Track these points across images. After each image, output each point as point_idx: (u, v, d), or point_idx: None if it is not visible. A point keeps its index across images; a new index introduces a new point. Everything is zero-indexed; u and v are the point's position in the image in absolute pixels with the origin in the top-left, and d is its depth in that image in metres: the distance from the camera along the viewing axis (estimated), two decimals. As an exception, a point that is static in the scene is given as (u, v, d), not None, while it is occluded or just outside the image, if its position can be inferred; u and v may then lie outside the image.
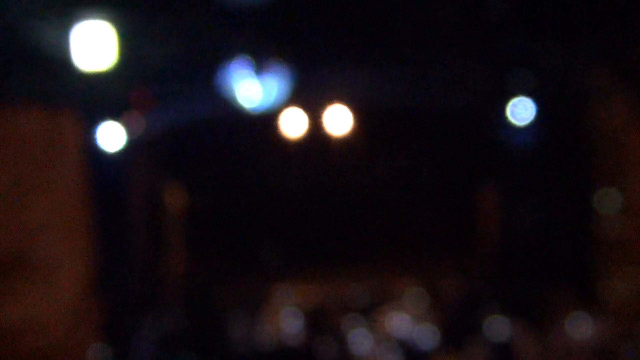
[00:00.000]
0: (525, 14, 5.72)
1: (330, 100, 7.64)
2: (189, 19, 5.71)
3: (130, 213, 7.53)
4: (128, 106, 6.81)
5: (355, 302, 8.04)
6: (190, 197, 9.05)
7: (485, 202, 8.80)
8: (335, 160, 8.87)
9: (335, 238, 9.14)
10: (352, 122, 7.80)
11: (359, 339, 6.51)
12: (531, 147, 7.70)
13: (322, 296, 8.22)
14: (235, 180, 9.03)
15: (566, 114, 7.35)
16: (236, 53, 6.38)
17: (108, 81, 5.51)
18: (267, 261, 8.96)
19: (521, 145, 7.76)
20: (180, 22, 5.69)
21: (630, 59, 6.28)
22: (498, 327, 6.06)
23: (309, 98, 7.58)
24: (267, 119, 7.59)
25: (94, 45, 4.97)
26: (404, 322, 6.73)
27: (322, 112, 7.72)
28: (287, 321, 7.15)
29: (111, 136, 6.60)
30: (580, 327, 5.79)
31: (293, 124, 7.74)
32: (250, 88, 6.58)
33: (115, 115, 6.64)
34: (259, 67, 6.47)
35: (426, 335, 6.44)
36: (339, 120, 7.73)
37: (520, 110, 7.25)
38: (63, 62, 4.95)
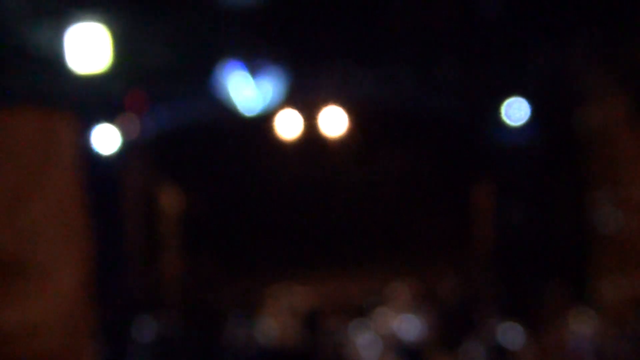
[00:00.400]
0: (519, 15, 5.73)
1: (325, 101, 7.64)
2: (184, 21, 5.71)
3: (126, 216, 7.52)
4: (123, 109, 6.80)
5: (351, 304, 8.03)
6: (186, 199, 9.03)
7: (481, 202, 8.81)
8: (331, 162, 8.86)
9: (332, 240, 9.14)
10: (347, 123, 7.80)
11: (356, 340, 6.50)
12: (526, 146, 7.71)
13: (318, 298, 8.21)
14: (231, 182, 9.02)
15: (560, 113, 7.36)
16: (231, 55, 6.38)
17: (103, 83, 5.51)
18: (262, 263, 8.95)
19: (516, 145, 7.77)
20: (174, 24, 5.69)
21: (623, 59, 6.30)
22: (494, 327, 6.06)
23: (304, 100, 7.58)
24: (263, 121, 7.58)
25: (88, 48, 4.97)
26: (400, 323, 6.73)
27: (317, 114, 7.73)
28: (283, 323, 7.14)
29: (106, 139, 6.59)
30: (576, 327, 5.80)
31: (288, 125, 7.74)
32: (246, 90, 6.58)
33: (110, 118, 6.63)
34: (254, 69, 6.47)
35: (423, 335, 6.44)
36: (334, 121, 7.73)
37: (515, 111, 7.26)
38: (58, 64, 4.94)
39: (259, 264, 9.00)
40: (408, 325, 6.69)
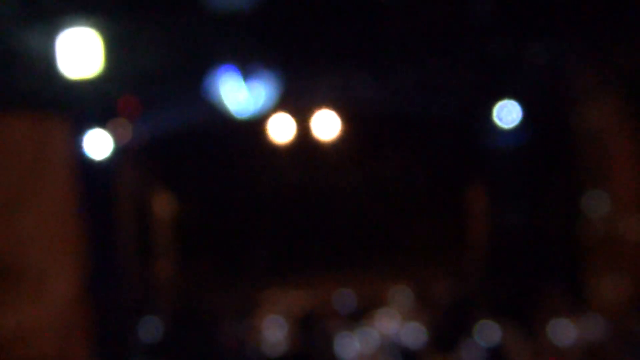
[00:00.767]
0: (511, 16, 5.75)
1: (318, 105, 7.64)
2: (176, 26, 5.70)
3: (118, 221, 7.49)
4: (115, 113, 6.78)
5: (345, 307, 8.03)
6: (179, 203, 9.01)
7: (474, 205, 8.82)
8: (324, 165, 8.87)
9: (325, 243, 9.13)
10: (339, 127, 7.81)
11: (350, 344, 6.50)
12: (518, 149, 7.74)
13: (312, 302, 8.20)
14: (224, 187, 9.00)
15: (553, 115, 7.39)
16: (223, 59, 6.37)
17: (95, 88, 5.49)
18: (257, 268, 8.93)
19: (508, 147, 7.79)
20: (167, 29, 5.68)
21: (616, 61, 6.33)
22: (488, 329, 6.07)
23: (297, 103, 7.58)
24: (256, 125, 7.58)
25: (80, 53, 4.95)
26: (394, 326, 6.73)
27: (310, 117, 7.73)
28: (277, 328, 7.13)
29: (99, 144, 6.56)
30: (570, 329, 5.81)
31: (281, 129, 7.74)
32: (238, 94, 6.57)
33: (102, 123, 6.61)
34: (247, 73, 6.46)
35: (416, 338, 6.44)
36: (327, 125, 7.74)
37: (507, 113, 7.28)
38: (49, 69, 4.92)
39: (253, 268, 8.98)
40: (404, 328, 6.69)
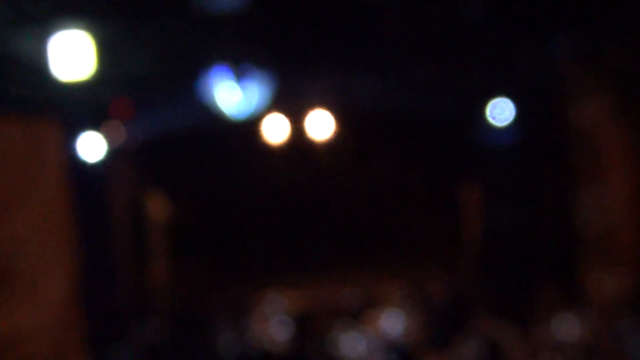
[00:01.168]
0: (503, 15, 5.76)
1: (312, 105, 7.65)
2: (168, 27, 5.69)
3: (113, 223, 7.48)
4: (108, 116, 6.78)
5: (343, 306, 8.03)
6: (174, 205, 9.00)
7: (469, 202, 8.84)
8: (318, 165, 8.87)
9: (322, 243, 9.14)
10: (334, 127, 7.81)
11: (349, 343, 6.50)
12: (512, 146, 7.76)
13: (310, 301, 8.20)
14: (218, 188, 9.00)
15: (545, 113, 7.41)
16: (216, 60, 6.37)
17: (88, 91, 5.48)
18: (252, 268, 8.92)
19: (502, 145, 7.81)
20: (159, 30, 5.68)
21: (607, 58, 6.35)
22: (484, 326, 6.08)
23: (291, 104, 7.59)
24: (249, 126, 7.58)
25: (72, 55, 4.94)
26: (392, 324, 6.73)
27: (304, 117, 7.73)
28: (275, 328, 7.13)
29: (92, 146, 6.56)
30: (566, 325, 5.83)
31: (275, 129, 7.74)
32: (232, 95, 6.57)
33: (95, 125, 6.60)
34: (240, 74, 6.47)
35: (414, 335, 6.45)
36: (321, 125, 7.74)
37: (500, 111, 7.30)
38: (42, 72, 4.91)
39: (248, 269, 8.98)
40: (399, 326, 6.70)
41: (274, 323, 7.21)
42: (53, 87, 5.03)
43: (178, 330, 7.32)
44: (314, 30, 6.04)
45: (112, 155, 6.90)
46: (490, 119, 7.38)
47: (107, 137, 6.71)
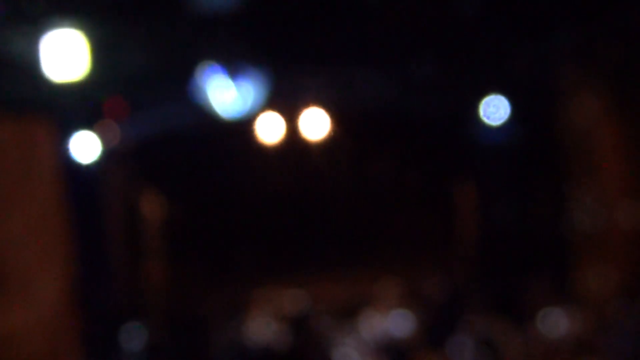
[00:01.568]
0: (496, 12, 5.77)
1: (307, 103, 7.64)
2: (162, 26, 5.68)
3: (107, 223, 7.46)
4: (102, 116, 6.76)
5: (339, 305, 8.03)
6: (168, 205, 8.99)
7: (464, 200, 8.85)
8: (313, 164, 8.87)
9: (317, 242, 9.13)
10: (329, 126, 7.81)
11: (343, 342, 6.50)
12: (506, 144, 7.77)
13: (304, 301, 8.20)
14: (214, 187, 8.98)
15: (540, 111, 7.42)
16: (210, 59, 6.36)
17: (81, 91, 5.47)
18: (247, 268, 8.92)
19: (496, 143, 7.83)
20: (153, 30, 5.66)
21: (601, 55, 6.36)
22: (479, 324, 6.10)
23: (285, 102, 7.58)
24: (243, 125, 7.57)
25: (65, 55, 4.93)
26: (388, 322, 6.74)
27: (298, 116, 7.72)
28: (270, 327, 7.12)
29: (86, 146, 6.53)
30: (559, 322, 5.85)
31: (270, 129, 7.73)
32: (226, 94, 6.56)
33: (89, 125, 6.58)
34: (234, 73, 6.45)
35: (410, 333, 6.46)
36: (315, 124, 7.74)
37: (494, 110, 7.31)
38: (35, 72, 4.89)
39: (244, 269, 8.97)
40: (395, 324, 6.71)
41: (269, 323, 7.21)
42: (46, 87, 5.01)
43: (174, 330, 7.31)
44: (308, 28, 6.04)
45: (106, 155, 6.88)
46: (484, 118, 7.39)
47: (101, 137, 6.69)
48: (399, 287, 7.92)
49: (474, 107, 7.41)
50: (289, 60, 6.67)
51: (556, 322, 5.84)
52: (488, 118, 7.37)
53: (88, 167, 6.57)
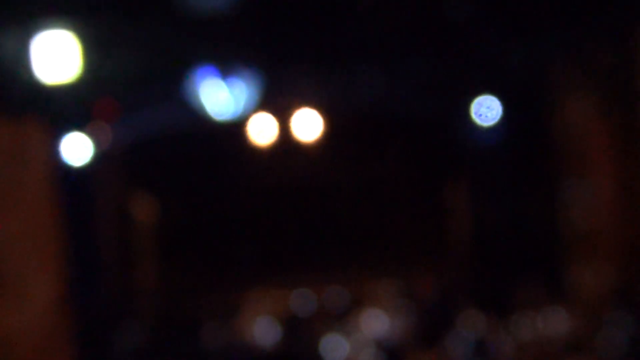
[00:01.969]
0: (488, 13, 5.79)
1: (299, 104, 7.64)
2: (154, 27, 5.67)
3: (99, 225, 7.44)
4: (94, 117, 6.74)
5: (331, 306, 8.03)
6: (160, 207, 8.97)
7: (456, 201, 8.88)
8: (306, 165, 8.87)
9: (309, 243, 9.14)
10: (321, 126, 7.81)
11: (336, 342, 6.50)
12: (498, 144, 7.80)
13: (297, 302, 8.20)
14: (205, 189, 8.97)
15: (532, 111, 7.45)
16: (202, 60, 6.35)
17: (73, 92, 5.45)
18: (241, 269, 8.91)
19: (488, 143, 7.85)
20: (145, 31, 5.65)
21: (593, 56, 6.39)
22: (472, 323, 6.11)
23: (277, 103, 7.58)
24: (236, 126, 7.56)
25: (56, 56, 4.91)
26: (380, 323, 6.75)
27: (291, 117, 7.72)
28: (262, 328, 7.12)
29: (78, 148, 6.51)
30: (553, 321, 5.87)
31: (262, 130, 7.73)
32: (218, 95, 6.55)
33: (81, 127, 6.56)
34: (226, 74, 6.45)
35: (403, 333, 6.46)
36: (308, 124, 7.74)
37: (486, 110, 7.33)
38: (27, 73, 4.87)
39: (236, 270, 8.96)
40: (388, 324, 6.71)
41: (261, 324, 7.20)
42: (38, 88, 4.99)
43: (165, 331, 7.29)
44: (300, 29, 6.04)
45: (98, 156, 6.86)
46: (476, 118, 7.41)
47: (93, 138, 6.67)
48: (393, 286, 7.93)
49: (467, 108, 7.43)
50: (282, 61, 6.67)
51: (550, 322, 5.86)
52: (480, 118, 7.40)
53: (80, 169, 6.55)
